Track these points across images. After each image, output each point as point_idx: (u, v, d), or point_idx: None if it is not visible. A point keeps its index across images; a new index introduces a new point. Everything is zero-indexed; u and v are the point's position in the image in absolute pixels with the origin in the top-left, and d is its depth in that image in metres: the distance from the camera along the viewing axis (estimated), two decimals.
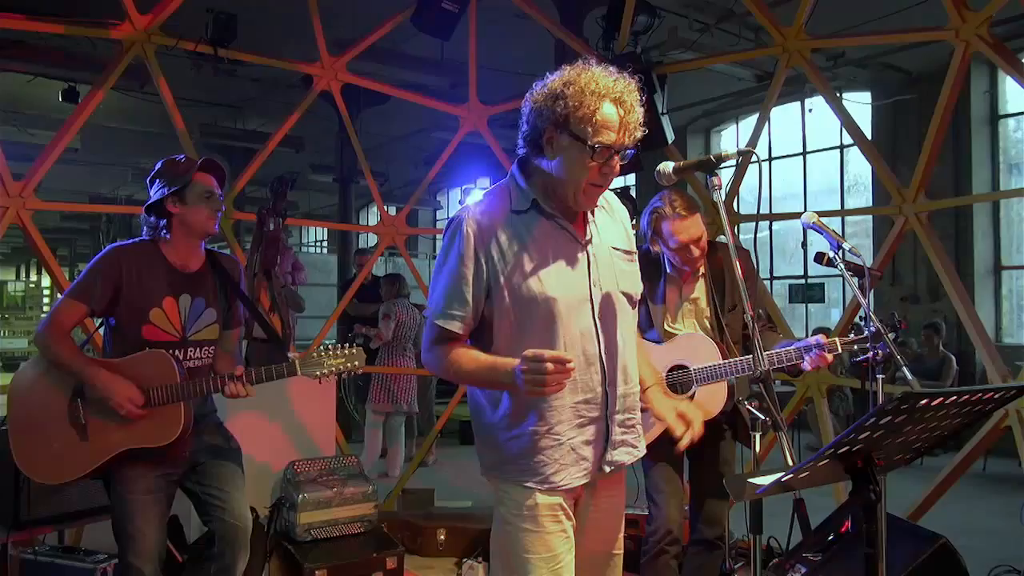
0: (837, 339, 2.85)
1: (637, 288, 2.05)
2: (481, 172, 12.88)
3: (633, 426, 2.02)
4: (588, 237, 1.95)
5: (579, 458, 1.91)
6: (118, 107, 9.81)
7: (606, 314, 1.93)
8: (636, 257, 2.07)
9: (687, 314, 3.02)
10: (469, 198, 1.92)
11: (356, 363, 2.69)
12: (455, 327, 1.91)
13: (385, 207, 6.18)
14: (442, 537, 4.56)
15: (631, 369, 2.00)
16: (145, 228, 2.77)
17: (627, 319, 2.00)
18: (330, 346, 2.72)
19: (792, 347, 2.85)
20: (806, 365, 2.83)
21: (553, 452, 1.89)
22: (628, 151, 1.87)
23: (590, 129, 1.81)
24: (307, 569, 3.68)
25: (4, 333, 20.62)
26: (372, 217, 20.17)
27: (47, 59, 8.59)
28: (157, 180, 2.76)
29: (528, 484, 1.89)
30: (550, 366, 1.70)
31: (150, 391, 2.59)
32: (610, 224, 2.03)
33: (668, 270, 3.03)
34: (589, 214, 1.97)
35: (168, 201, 2.70)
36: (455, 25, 5.33)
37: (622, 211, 2.09)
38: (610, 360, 1.93)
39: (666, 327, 3.02)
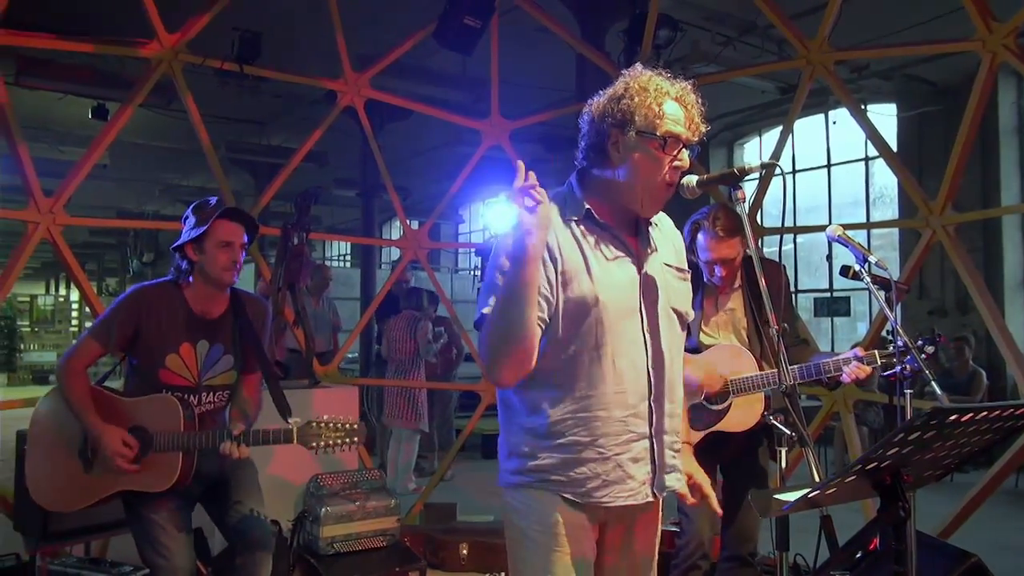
0: (876, 352, 2.83)
1: (688, 307, 2.02)
2: (503, 186, 12.91)
3: (679, 451, 1.97)
4: (642, 250, 1.94)
5: (625, 476, 1.85)
6: (146, 124, 9.97)
7: (655, 328, 1.90)
8: (688, 276, 2.05)
9: (723, 324, 3.01)
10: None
11: (355, 439, 2.65)
12: None
13: (408, 221, 6.21)
14: (464, 552, 4.54)
15: (678, 388, 1.97)
16: (172, 271, 2.79)
17: (676, 336, 1.97)
18: (331, 421, 2.65)
19: (830, 360, 2.83)
20: (845, 377, 2.82)
21: (597, 466, 1.83)
22: (695, 146, 1.87)
23: (658, 121, 1.82)
24: None
25: (34, 346, 20.92)
26: (395, 231, 20.29)
27: (77, 77, 8.76)
28: (187, 221, 2.77)
29: (566, 495, 1.83)
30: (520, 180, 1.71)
31: (155, 436, 2.62)
32: (663, 241, 2.01)
33: (705, 280, 3.02)
34: (646, 228, 1.95)
35: (188, 247, 2.72)
36: (477, 40, 5.36)
37: (674, 232, 2.07)
38: (657, 375, 1.89)
39: (702, 337, 3.01)
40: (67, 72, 8.57)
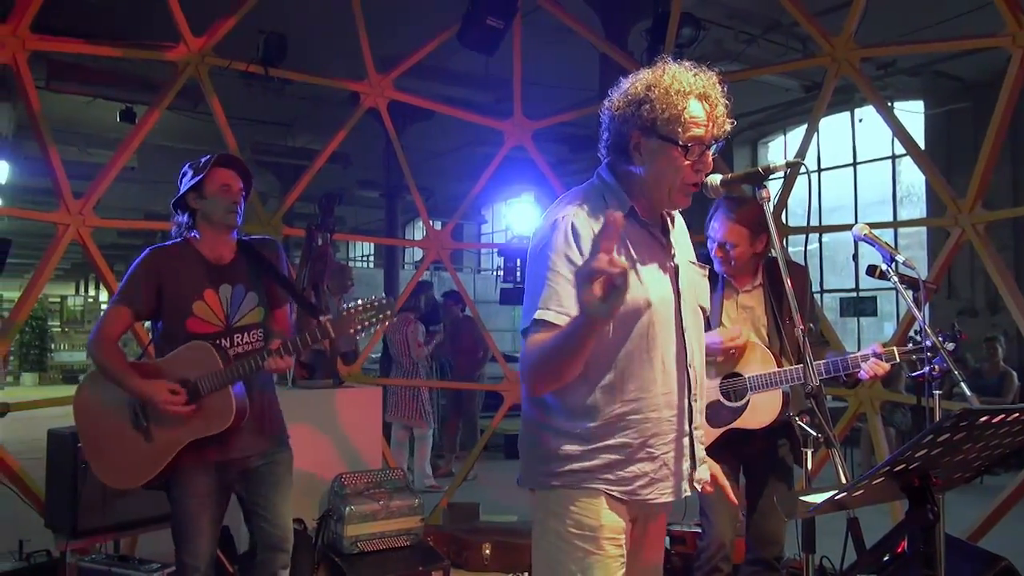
0: (895, 348, 2.80)
1: (707, 303, 2.04)
2: (526, 186, 12.91)
3: (702, 442, 1.99)
4: (671, 247, 1.93)
5: (669, 474, 1.86)
6: (173, 127, 10.10)
7: (688, 325, 1.91)
8: (707, 271, 2.06)
9: (742, 323, 2.99)
10: (560, 203, 1.81)
11: (388, 312, 2.62)
12: (562, 323, 1.72)
13: (431, 222, 6.23)
14: (488, 552, 4.55)
15: (704, 382, 2.00)
16: (174, 228, 2.84)
17: (701, 332, 1.99)
18: (360, 301, 2.63)
19: (848, 356, 2.81)
20: (863, 374, 2.79)
21: (645, 465, 1.83)
22: (718, 144, 1.85)
23: (680, 128, 1.78)
24: None
25: (64, 346, 21.28)
26: (418, 232, 20.37)
27: (105, 81, 8.91)
28: (183, 177, 2.83)
29: (612, 492, 1.82)
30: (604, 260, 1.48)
31: (199, 382, 2.64)
32: (681, 238, 2.01)
33: (718, 269, 3.01)
34: (669, 224, 1.95)
35: (189, 196, 2.77)
36: (500, 41, 5.37)
37: (684, 227, 2.07)
38: (692, 371, 1.90)
39: (719, 333, 3.00)
40: (95, 76, 8.72)
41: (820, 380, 1.99)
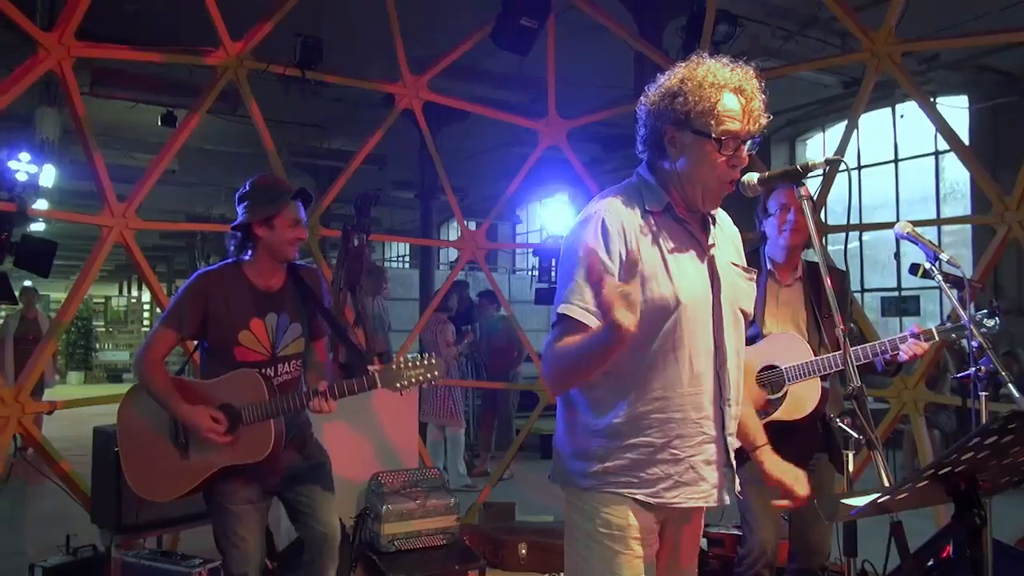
0: (933, 328, 2.78)
1: (751, 307, 1.99)
2: (561, 186, 12.88)
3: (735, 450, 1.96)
4: (711, 245, 1.90)
5: (698, 478, 1.83)
6: (212, 130, 10.25)
7: (723, 327, 1.87)
8: (754, 276, 2.02)
9: (782, 315, 2.95)
10: (598, 200, 1.82)
11: (435, 373, 2.71)
12: (590, 321, 1.75)
13: (465, 222, 6.25)
14: (523, 552, 4.55)
15: (742, 388, 1.94)
16: (231, 246, 2.86)
17: (741, 336, 1.94)
18: (409, 358, 2.74)
19: (887, 340, 2.79)
20: (903, 356, 2.77)
21: (669, 467, 1.81)
22: (755, 139, 1.82)
23: (713, 122, 1.76)
24: None
25: (108, 346, 21.75)
26: (453, 232, 20.44)
27: (147, 86, 9.08)
28: (247, 201, 2.82)
29: (637, 496, 1.81)
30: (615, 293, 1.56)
31: (242, 410, 2.69)
32: (724, 240, 1.97)
33: (768, 267, 2.97)
34: (710, 223, 1.92)
35: (256, 225, 2.78)
36: (534, 40, 5.36)
37: (734, 230, 2.03)
38: (725, 375, 1.87)
39: (767, 324, 2.96)
40: (137, 81, 8.89)
41: (860, 373, 1.95)
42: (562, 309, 1.78)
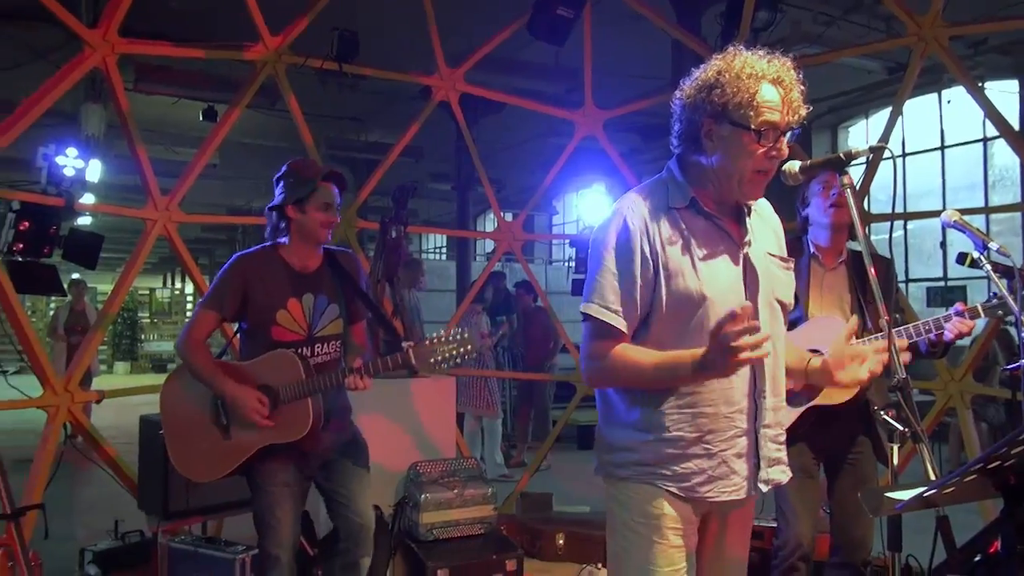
0: (979, 305, 2.72)
1: (790, 298, 1.97)
2: (597, 177, 12.82)
3: (783, 443, 1.94)
4: (745, 239, 1.88)
5: (730, 472, 1.83)
6: (252, 124, 10.39)
7: (762, 319, 1.84)
8: (792, 265, 1.99)
9: (827, 300, 2.91)
10: (623, 197, 1.84)
11: (468, 348, 2.68)
12: (621, 324, 1.80)
13: (502, 213, 6.25)
14: (561, 542, 4.56)
15: (780, 381, 1.92)
16: (268, 228, 2.90)
17: (778, 328, 1.92)
18: (441, 334, 2.70)
19: (931, 319, 2.74)
20: (948, 334, 2.72)
21: (702, 462, 1.81)
22: (794, 131, 1.80)
23: (752, 112, 1.74)
24: (430, 568, 3.76)
25: (153, 336, 22.24)
26: (489, 223, 20.47)
27: (189, 82, 9.24)
28: (283, 181, 2.87)
29: (671, 489, 1.81)
30: (738, 332, 1.60)
31: (280, 390, 2.73)
32: (764, 230, 1.95)
33: (811, 250, 2.93)
34: (746, 215, 1.90)
35: (289, 206, 2.82)
36: (570, 31, 5.33)
37: (774, 219, 2.01)
38: (760, 369, 1.85)
39: (811, 309, 2.92)
40: (180, 77, 9.06)
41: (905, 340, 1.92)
42: (583, 308, 1.85)
